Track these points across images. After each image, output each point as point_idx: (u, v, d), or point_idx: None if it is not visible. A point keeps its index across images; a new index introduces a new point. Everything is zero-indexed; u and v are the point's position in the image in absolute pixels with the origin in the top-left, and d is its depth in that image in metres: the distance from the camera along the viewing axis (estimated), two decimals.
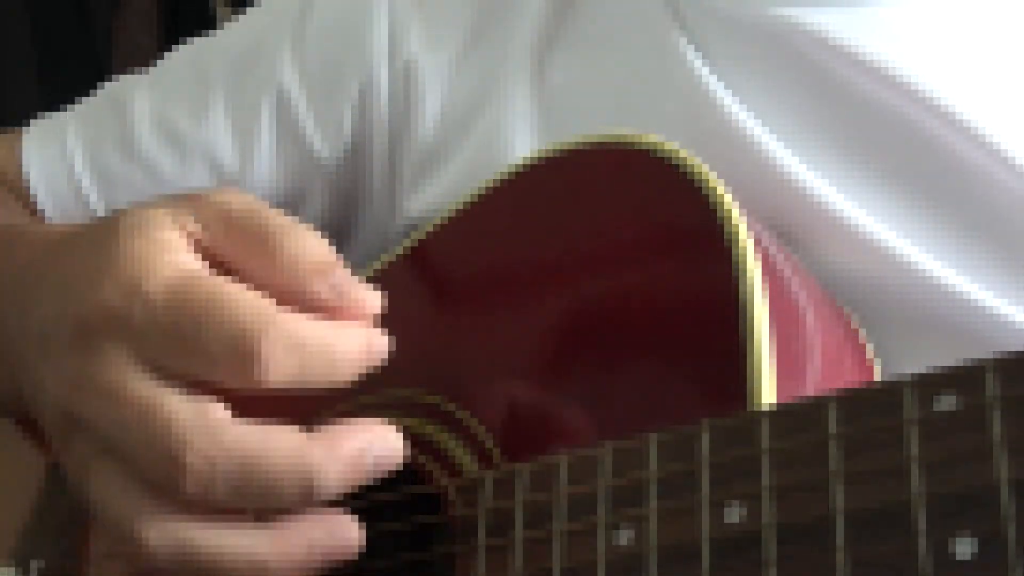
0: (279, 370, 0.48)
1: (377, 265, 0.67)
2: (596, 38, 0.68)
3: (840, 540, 0.43)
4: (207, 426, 0.48)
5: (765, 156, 0.61)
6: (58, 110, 0.81)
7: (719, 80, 0.63)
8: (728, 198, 0.54)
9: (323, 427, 0.49)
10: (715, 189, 0.54)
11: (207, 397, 0.49)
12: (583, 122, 0.67)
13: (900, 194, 0.60)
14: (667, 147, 0.56)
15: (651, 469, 0.48)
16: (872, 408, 0.44)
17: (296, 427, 0.49)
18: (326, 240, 0.51)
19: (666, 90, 0.65)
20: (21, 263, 0.60)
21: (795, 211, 0.61)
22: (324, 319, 0.49)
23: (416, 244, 0.65)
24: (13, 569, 0.67)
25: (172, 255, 0.50)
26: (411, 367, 0.60)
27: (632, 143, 0.58)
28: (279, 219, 0.51)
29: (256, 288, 0.50)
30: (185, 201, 0.52)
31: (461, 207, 0.64)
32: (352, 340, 0.49)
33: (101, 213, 0.76)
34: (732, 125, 0.62)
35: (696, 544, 0.45)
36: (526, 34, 0.70)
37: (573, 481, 0.50)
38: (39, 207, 0.77)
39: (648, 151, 0.57)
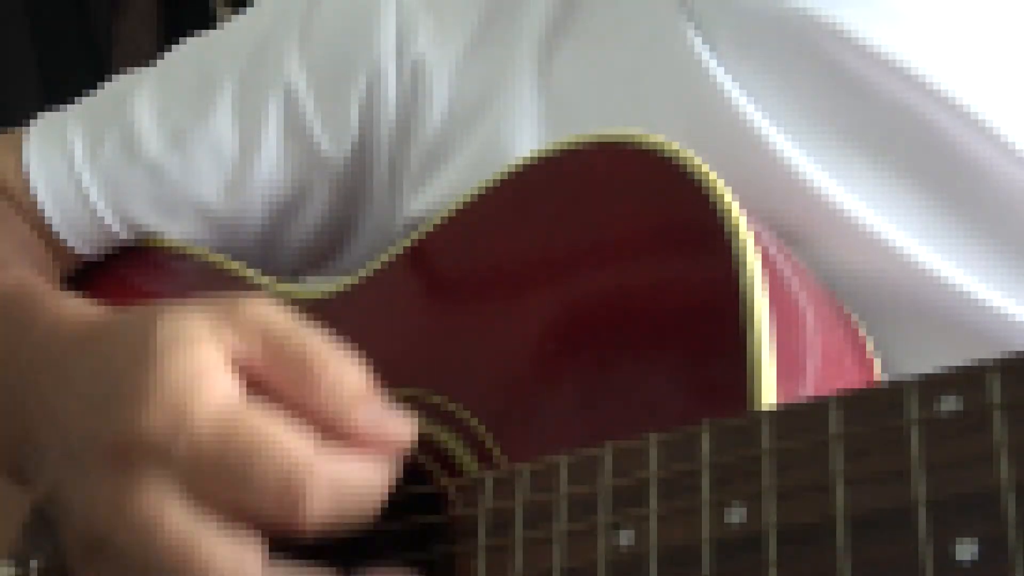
0: (320, 513, 0.48)
1: (380, 262, 0.67)
2: (603, 33, 0.68)
3: (841, 542, 0.42)
4: (243, 569, 0.48)
5: (772, 151, 0.61)
6: (58, 111, 0.81)
7: (727, 73, 0.63)
8: (729, 197, 0.54)
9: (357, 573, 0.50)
10: (716, 188, 0.54)
11: (245, 534, 0.49)
12: (589, 118, 0.67)
13: (907, 190, 0.60)
14: (669, 146, 0.56)
15: (652, 469, 0.48)
16: (874, 409, 0.44)
17: (332, 572, 0.49)
18: (362, 369, 0.51)
19: (674, 85, 0.65)
20: (38, 341, 0.59)
21: (801, 207, 0.61)
22: (359, 452, 0.50)
23: (419, 241, 0.65)
24: (12, 568, 0.67)
25: (216, 382, 0.50)
26: (413, 366, 0.60)
27: (634, 142, 0.57)
28: (319, 343, 0.51)
29: (293, 410, 0.50)
30: (225, 310, 0.52)
31: (464, 204, 0.63)
32: (383, 474, 0.50)
33: (101, 210, 0.76)
34: (740, 120, 0.62)
35: (697, 545, 0.45)
36: (532, 30, 0.70)
37: (574, 481, 0.49)
38: (39, 205, 0.76)
39: (650, 150, 0.57)
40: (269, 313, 0.52)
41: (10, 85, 1.85)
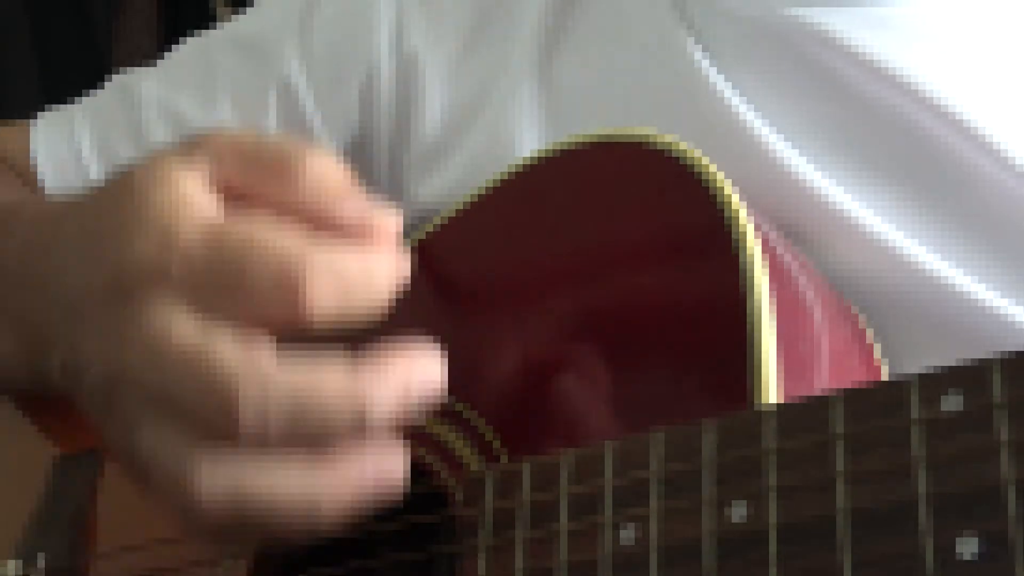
0: (324, 299, 0.47)
1: None
2: (602, 34, 0.68)
3: (843, 538, 0.43)
4: (257, 365, 0.48)
5: (770, 154, 0.62)
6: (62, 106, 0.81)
7: (726, 79, 0.63)
8: (734, 194, 0.54)
9: (369, 356, 0.49)
10: (721, 185, 0.54)
11: (255, 336, 0.48)
12: (588, 118, 0.67)
13: (906, 194, 0.60)
14: (672, 143, 0.56)
15: (654, 468, 0.48)
16: (876, 407, 0.44)
17: (343, 358, 0.48)
18: (341, 161, 0.51)
19: (671, 88, 0.65)
20: (23, 239, 0.59)
21: (801, 210, 0.61)
22: (353, 243, 0.49)
23: (421, 240, 0.65)
24: (19, 563, 0.67)
25: (196, 203, 0.50)
26: None
27: (638, 139, 0.58)
28: (292, 144, 0.51)
29: (279, 212, 0.50)
30: (194, 142, 0.52)
31: (467, 204, 0.64)
32: (384, 261, 0.49)
33: None
34: (737, 123, 0.62)
35: (698, 542, 0.45)
36: (531, 29, 0.70)
37: (575, 480, 0.49)
38: (47, 193, 0.77)
39: (654, 147, 0.57)
40: (236, 133, 0.52)
41: (10, 85, 1.85)
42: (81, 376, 0.53)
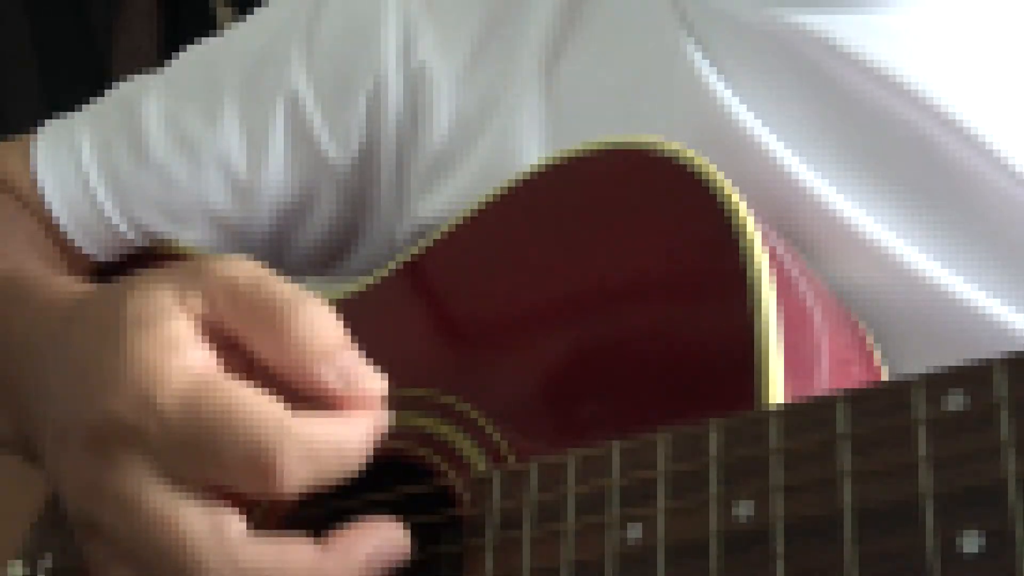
0: (295, 479, 0.49)
1: (389, 268, 0.67)
2: (604, 43, 0.68)
3: (848, 535, 0.43)
4: (222, 542, 0.49)
5: (771, 161, 0.61)
6: (59, 111, 0.80)
7: (727, 87, 0.63)
8: (742, 202, 0.54)
9: (334, 535, 0.50)
10: (728, 193, 0.54)
11: (224, 509, 0.50)
12: (592, 127, 0.67)
13: (906, 201, 0.60)
14: (678, 151, 0.56)
15: (660, 468, 0.48)
16: (881, 407, 0.44)
17: (311, 540, 0.50)
18: (334, 315, 0.52)
19: (673, 95, 0.65)
20: (32, 321, 0.60)
21: (802, 217, 0.61)
22: (331, 413, 0.50)
23: (428, 249, 0.65)
24: (24, 563, 0.67)
25: (182, 357, 0.50)
26: (424, 368, 0.60)
27: (643, 147, 0.58)
28: (287, 293, 0.51)
29: (264, 367, 0.51)
30: (190, 276, 0.52)
31: (475, 212, 0.64)
32: (359, 432, 0.50)
33: (108, 211, 0.76)
34: (739, 130, 0.62)
35: (705, 539, 0.46)
36: (536, 39, 0.70)
37: (582, 479, 0.50)
38: (47, 205, 0.76)
39: (659, 155, 0.57)
40: (235, 268, 0.52)
41: (10, 86, 1.85)
42: (63, 496, 0.54)
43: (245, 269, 0.52)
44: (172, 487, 0.50)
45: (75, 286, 0.62)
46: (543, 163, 0.61)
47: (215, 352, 0.52)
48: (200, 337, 0.51)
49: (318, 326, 0.51)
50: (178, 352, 0.51)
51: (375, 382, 0.51)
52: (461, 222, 0.64)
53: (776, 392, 0.50)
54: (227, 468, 0.49)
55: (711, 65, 0.64)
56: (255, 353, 0.51)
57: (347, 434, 0.50)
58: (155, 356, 0.50)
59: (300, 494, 0.50)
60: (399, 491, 0.58)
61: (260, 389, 0.50)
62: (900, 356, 0.59)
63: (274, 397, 0.50)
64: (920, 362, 0.58)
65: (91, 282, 0.69)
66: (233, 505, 0.50)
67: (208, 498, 0.50)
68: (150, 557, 0.50)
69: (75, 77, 1.86)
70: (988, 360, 0.43)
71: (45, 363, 0.56)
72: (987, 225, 0.59)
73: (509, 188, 0.62)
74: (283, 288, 0.51)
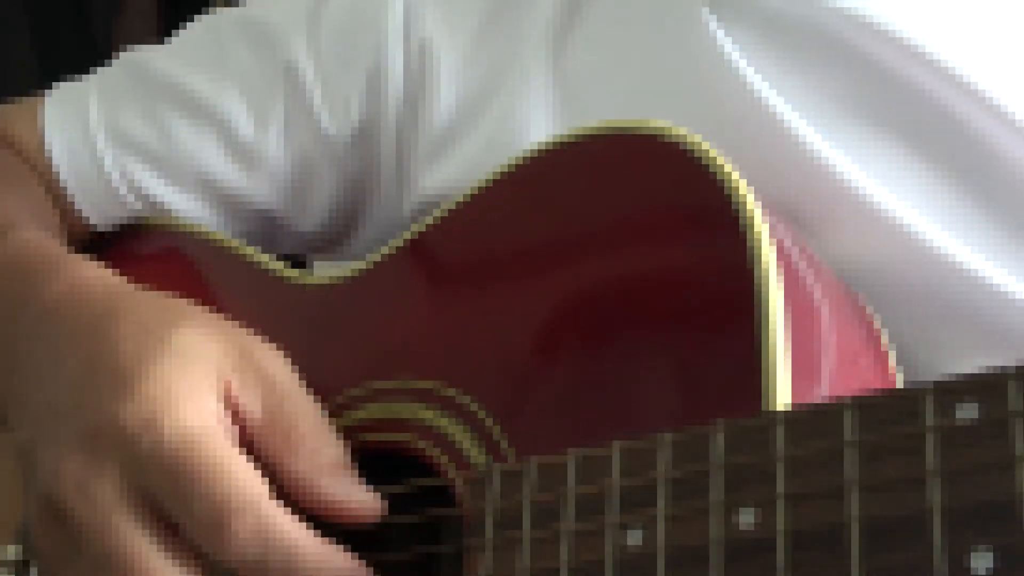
0: (239, 547, 0.52)
1: (388, 249, 0.66)
2: (616, 19, 0.67)
3: (855, 548, 0.42)
4: None
5: (793, 136, 0.61)
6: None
7: (747, 62, 0.62)
8: (744, 188, 0.53)
9: None
10: (731, 178, 0.53)
11: (186, 556, 0.54)
12: (603, 105, 0.66)
13: (928, 176, 0.60)
14: (683, 135, 0.56)
15: (662, 470, 0.47)
16: (890, 416, 0.43)
17: None
18: (342, 446, 0.57)
19: (693, 71, 0.64)
20: (53, 300, 0.63)
21: (822, 192, 0.60)
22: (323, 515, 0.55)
23: (430, 228, 0.65)
24: (20, 547, 0.67)
25: (201, 402, 0.55)
26: (425, 357, 0.60)
27: (648, 131, 0.57)
28: (311, 413, 0.58)
29: (268, 464, 0.55)
30: (238, 352, 0.57)
31: (476, 191, 0.63)
32: (320, 552, 0.53)
33: (108, 167, 0.76)
34: (760, 105, 0.61)
35: (706, 547, 0.45)
36: (543, 15, 0.69)
37: (582, 480, 0.49)
38: (54, 167, 0.77)
39: (664, 139, 0.56)
40: (276, 370, 0.58)
41: (10, 85, 1.85)
42: (34, 475, 0.57)
43: (284, 371, 0.59)
44: (144, 516, 0.54)
45: (108, 278, 0.65)
46: (544, 144, 0.61)
47: (230, 417, 0.56)
48: (222, 398, 0.56)
49: (330, 446, 0.57)
50: (200, 397, 0.55)
51: (371, 504, 0.56)
52: (460, 203, 0.63)
53: (783, 395, 0.49)
54: (189, 510, 0.52)
55: (730, 39, 0.63)
56: (263, 450, 0.56)
57: (307, 543, 0.53)
58: (179, 388, 0.55)
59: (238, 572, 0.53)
60: (398, 490, 0.58)
61: (253, 465, 0.54)
62: (910, 331, 0.59)
63: (261, 478, 0.54)
64: (931, 337, 0.59)
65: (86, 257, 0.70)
66: (188, 554, 0.54)
67: (174, 542, 0.54)
68: (101, 563, 0.54)
69: (75, 77, 1.86)
70: (1002, 369, 0.42)
71: (56, 345, 0.59)
72: (1009, 201, 0.59)
73: (508, 170, 0.62)
74: (308, 404, 0.58)
